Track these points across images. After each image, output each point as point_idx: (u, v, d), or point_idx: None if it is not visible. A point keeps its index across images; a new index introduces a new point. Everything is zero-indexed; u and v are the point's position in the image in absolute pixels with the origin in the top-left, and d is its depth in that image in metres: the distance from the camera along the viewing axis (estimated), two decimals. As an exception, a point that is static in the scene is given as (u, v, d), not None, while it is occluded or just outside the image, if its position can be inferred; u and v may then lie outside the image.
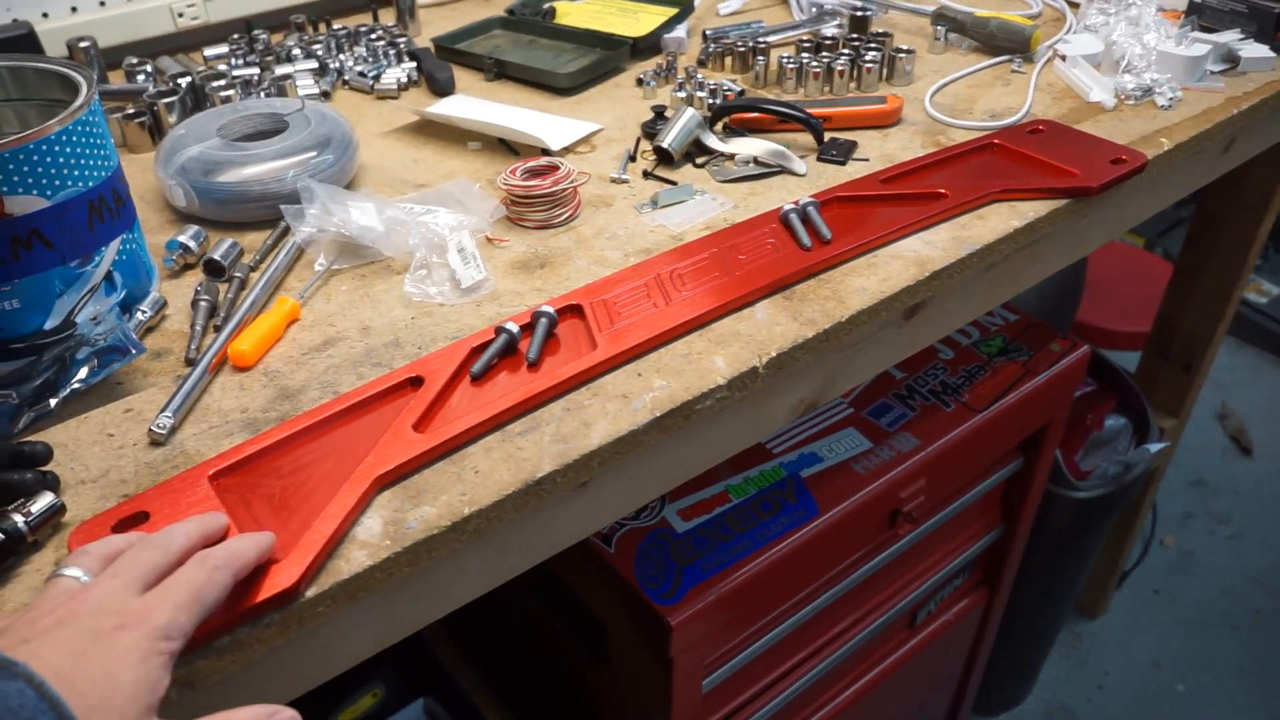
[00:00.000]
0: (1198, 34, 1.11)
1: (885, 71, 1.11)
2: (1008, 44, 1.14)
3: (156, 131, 1.01)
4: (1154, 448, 1.52)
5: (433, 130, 1.04)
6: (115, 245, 0.72)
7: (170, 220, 0.89)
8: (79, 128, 0.67)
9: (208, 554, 0.50)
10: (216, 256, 0.79)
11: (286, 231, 0.85)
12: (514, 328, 0.70)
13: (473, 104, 1.06)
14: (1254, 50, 1.08)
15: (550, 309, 0.72)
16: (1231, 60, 1.09)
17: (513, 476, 0.61)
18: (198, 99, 1.05)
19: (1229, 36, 1.10)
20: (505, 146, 1.00)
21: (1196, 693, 1.94)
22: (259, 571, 0.53)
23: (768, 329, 0.73)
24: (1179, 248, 2.97)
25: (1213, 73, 1.09)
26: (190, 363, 0.71)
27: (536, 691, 1.31)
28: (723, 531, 1.00)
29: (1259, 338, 2.80)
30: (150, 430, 0.64)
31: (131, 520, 0.57)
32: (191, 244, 0.81)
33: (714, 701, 1.08)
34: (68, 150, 0.66)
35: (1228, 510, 2.31)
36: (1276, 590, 2.12)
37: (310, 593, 0.54)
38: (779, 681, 1.16)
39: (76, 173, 0.67)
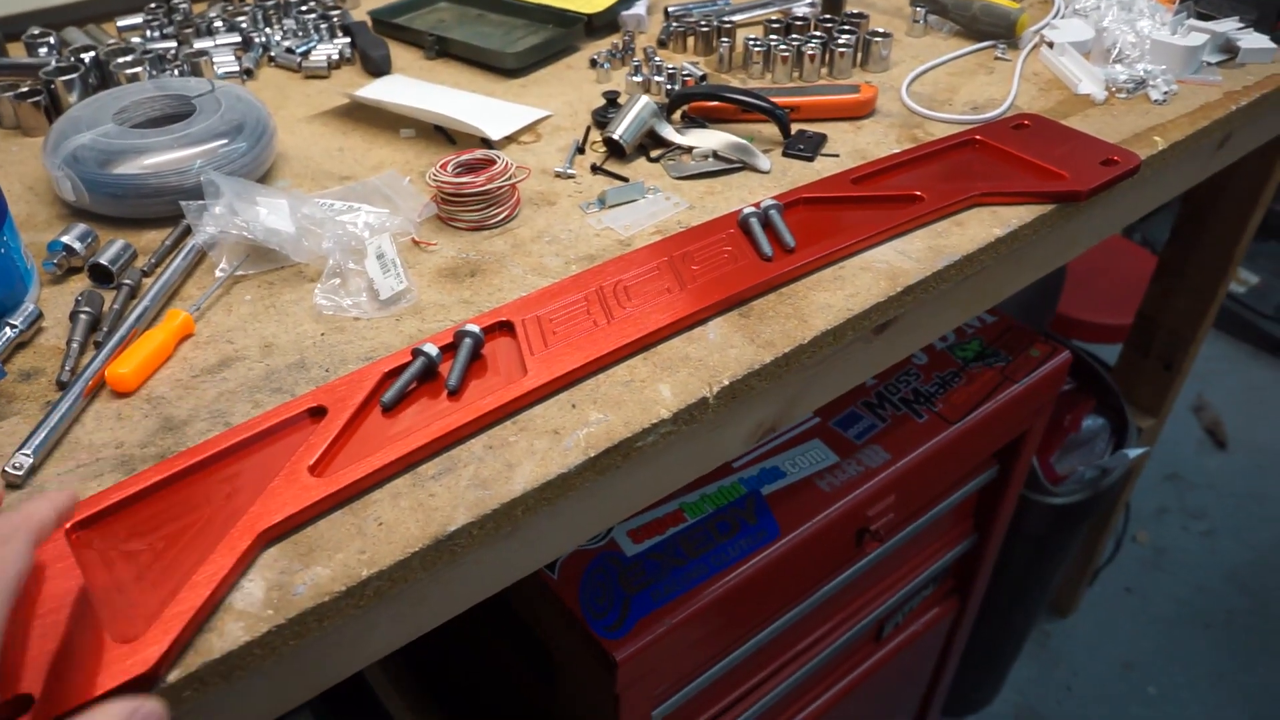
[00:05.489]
0: (1194, 22, 1.03)
1: (859, 56, 1.02)
2: (992, 28, 1.06)
3: (54, 112, 0.91)
4: (1133, 453, 1.46)
5: (363, 115, 0.95)
6: (-24, 250, 0.63)
7: (61, 215, 0.80)
8: (-76, 116, 0.58)
9: None
10: (103, 260, 0.70)
11: (188, 231, 0.76)
12: (433, 350, 0.62)
13: (409, 86, 0.97)
14: (1254, 40, 1.01)
15: (476, 328, 0.64)
16: (1229, 51, 1.02)
17: (421, 530, 0.53)
18: (103, 76, 0.95)
19: (1227, 25, 1.03)
20: (442, 134, 0.91)
21: (1168, 695, 1.90)
22: (108, 651, 0.45)
23: (721, 352, 0.65)
24: (1158, 234, 2.92)
25: (1209, 64, 1.01)
26: (62, 386, 0.62)
27: (478, 714, 1.24)
28: (676, 555, 0.92)
29: (1236, 328, 2.75)
30: (4, 471, 0.55)
31: (-34, 585, 0.48)
32: (77, 245, 0.72)
33: (667, 729, 1.01)
34: (-91, 143, 0.57)
35: (1202, 506, 2.27)
36: (1251, 588, 2.09)
37: (173, 676, 0.46)
38: (736, 704, 1.10)
39: (-78, 169, 0.58)
